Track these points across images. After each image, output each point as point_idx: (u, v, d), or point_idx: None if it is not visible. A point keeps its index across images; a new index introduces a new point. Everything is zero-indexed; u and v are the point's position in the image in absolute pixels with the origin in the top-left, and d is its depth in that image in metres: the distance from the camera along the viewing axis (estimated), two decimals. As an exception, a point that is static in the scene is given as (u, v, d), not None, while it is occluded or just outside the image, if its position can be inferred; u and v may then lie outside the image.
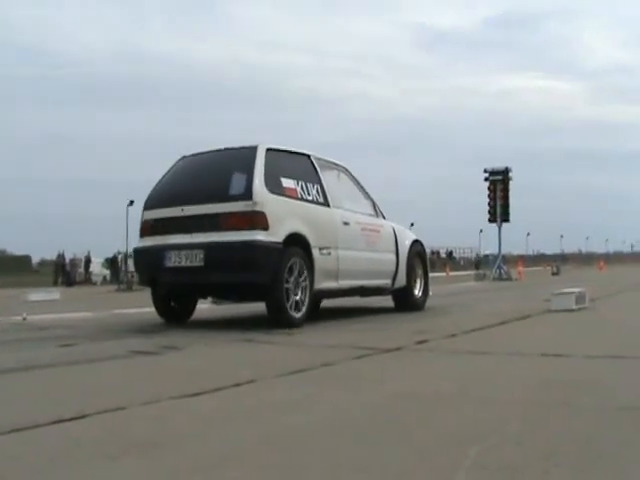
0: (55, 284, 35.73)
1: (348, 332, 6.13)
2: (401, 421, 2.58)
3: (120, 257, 39.01)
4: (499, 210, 26.01)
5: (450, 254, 69.10)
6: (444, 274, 36.15)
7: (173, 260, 6.68)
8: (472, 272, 33.94)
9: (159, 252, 6.79)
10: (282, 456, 2.15)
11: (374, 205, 8.73)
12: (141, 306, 10.58)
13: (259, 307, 9.67)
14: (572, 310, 7.78)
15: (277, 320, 6.57)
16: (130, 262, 31.76)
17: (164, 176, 7.36)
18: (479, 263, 56.08)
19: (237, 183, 6.60)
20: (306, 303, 6.86)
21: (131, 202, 35.58)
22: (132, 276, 30.54)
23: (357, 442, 2.29)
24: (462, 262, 68.67)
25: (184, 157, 7.49)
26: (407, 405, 2.86)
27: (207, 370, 4.03)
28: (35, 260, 69.71)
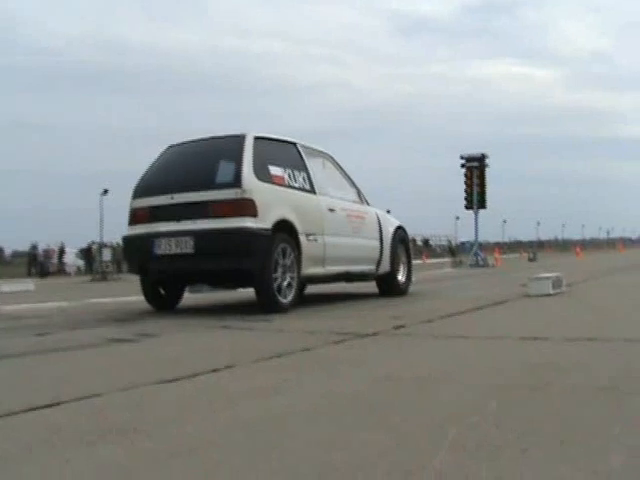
0: (29, 275, 35.41)
1: (328, 318, 6.18)
2: (381, 404, 2.59)
3: (94, 247, 38.73)
4: (475, 197, 26.04)
5: (426, 242, 69.47)
6: (421, 261, 36.31)
7: (163, 247, 6.76)
8: (449, 259, 34.04)
9: (149, 240, 6.85)
10: (261, 440, 2.14)
11: (359, 192, 8.88)
12: (117, 295, 10.53)
13: (237, 295, 9.72)
14: (549, 295, 7.82)
15: (266, 305, 6.69)
16: (105, 252, 31.56)
17: (152, 165, 7.44)
18: (455, 250, 56.38)
19: (226, 171, 6.73)
20: (294, 288, 7.00)
21: (105, 191, 35.29)
22: (107, 266, 30.37)
23: (337, 425, 2.29)
24: (438, 250, 69.01)
25: (171, 146, 7.62)
26: (386, 389, 2.87)
27: (184, 356, 4.02)
28: (7, 252, 68.91)
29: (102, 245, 34.94)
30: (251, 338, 4.88)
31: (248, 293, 8.41)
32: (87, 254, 40.72)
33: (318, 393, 2.82)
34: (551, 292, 7.96)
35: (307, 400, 2.69)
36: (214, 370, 3.35)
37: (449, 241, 72.86)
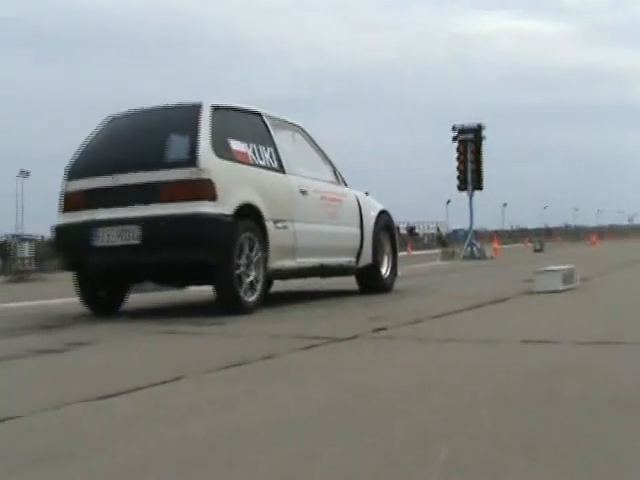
0: None
1: (297, 319, 6.26)
2: (357, 420, 2.60)
3: (13, 242, 38.29)
4: (470, 176, 26.05)
5: (412, 230, 69.10)
6: (405, 253, 36.39)
7: (103, 238, 6.74)
8: (439, 250, 34.12)
9: (86, 229, 6.80)
10: (212, 462, 2.14)
11: (335, 171, 8.94)
12: (44, 298, 10.44)
13: (191, 294, 9.68)
14: (559, 291, 7.87)
15: (227, 306, 6.70)
16: (25, 247, 31.25)
17: (90, 139, 7.38)
18: (446, 240, 56.58)
19: (179, 147, 6.82)
20: (260, 285, 7.00)
21: (23, 173, 34.95)
22: (28, 263, 30.08)
23: (303, 446, 2.29)
24: (426, 239, 69.19)
25: (113, 117, 7.58)
26: (362, 400, 2.90)
27: (123, 368, 4.03)
28: None
29: (19, 238, 34.53)
30: (204, 345, 4.91)
31: (204, 292, 8.40)
32: (2, 250, 40.27)
33: (281, 408, 2.83)
34: (561, 288, 7.99)
35: (267, 416, 2.69)
36: (158, 383, 3.36)
37: (438, 229, 73.19)
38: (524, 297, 7.66)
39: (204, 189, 6.51)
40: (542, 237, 59.49)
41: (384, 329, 5.15)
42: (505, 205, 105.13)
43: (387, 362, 3.89)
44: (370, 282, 9.15)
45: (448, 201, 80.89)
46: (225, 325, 5.91)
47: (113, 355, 4.64)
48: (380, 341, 4.70)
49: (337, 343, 4.58)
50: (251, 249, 6.88)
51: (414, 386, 3.16)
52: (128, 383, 3.36)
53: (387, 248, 9.47)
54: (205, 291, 7.69)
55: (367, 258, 9.00)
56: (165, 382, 3.39)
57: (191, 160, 6.56)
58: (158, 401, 3.05)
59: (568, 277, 8.37)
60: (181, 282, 8.08)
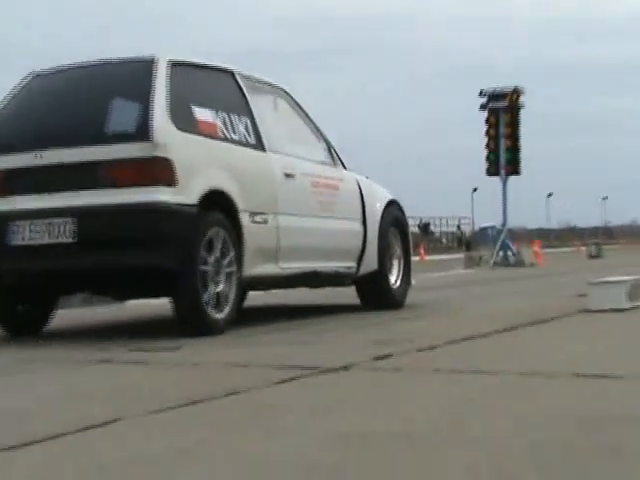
0: None
1: (277, 343, 6.27)
2: (345, 476, 2.56)
3: None
4: (503, 157, 25.62)
5: (425, 227, 67.49)
6: (417, 258, 36.32)
7: (24, 235, 6.62)
8: (461, 255, 34.00)
9: (1, 222, 6.69)
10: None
11: (330, 148, 8.86)
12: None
13: (129, 311, 9.59)
14: (622, 310, 7.73)
15: (190, 324, 6.66)
16: None
17: (5, 104, 7.28)
18: (471, 242, 56.51)
19: (126, 115, 6.76)
20: (232, 297, 6.92)
21: None
22: None
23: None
24: (444, 240, 68.70)
25: (37, 74, 7.45)
26: (354, 452, 2.86)
27: (42, 408, 3.98)
28: None
29: None
30: (151, 377, 4.88)
31: (157, 307, 8.40)
32: None
33: (244, 466, 2.76)
34: (625, 306, 7.87)
35: (230, 472, 2.66)
36: (85, 428, 3.31)
37: (459, 227, 72.45)
38: (575, 317, 7.59)
39: (159, 171, 6.45)
40: (600, 239, 59.67)
41: (389, 356, 5.13)
42: (550, 196, 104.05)
43: (391, 401, 3.85)
44: (375, 294, 9.03)
45: (474, 189, 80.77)
46: (181, 351, 5.86)
47: (30, 391, 4.57)
48: (383, 373, 4.69)
49: (326, 375, 4.55)
50: (221, 251, 6.79)
51: (426, 435, 3.11)
52: (46, 428, 3.32)
53: (397, 250, 9.36)
54: (159, 305, 7.68)
55: (371, 263, 8.85)
56: (93, 427, 3.34)
57: (141, 132, 6.46)
58: (82, 453, 3.00)
59: (634, 291, 8.26)
60: (128, 293, 7.93)
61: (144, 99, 6.60)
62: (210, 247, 6.69)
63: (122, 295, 8.22)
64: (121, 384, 4.68)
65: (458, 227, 72.58)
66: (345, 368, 4.73)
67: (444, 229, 73.09)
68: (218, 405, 3.78)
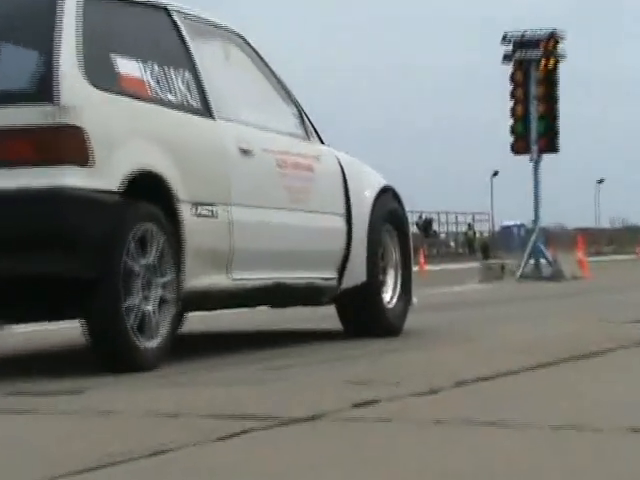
0: None
1: (223, 382, 5.59)
2: None
3: None
4: (535, 127, 22.18)
5: (427, 226, 61.91)
6: (415, 268, 35.08)
7: None
8: (476, 264, 32.56)
9: None
10: None
11: (301, 114, 7.86)
12: None
13: (24, 336, 8.62)
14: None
15: (109, 354, 5.92)
16: None
17: None
18: (489, 245, 54.58)
19: (20, 66, 5.87)
20: (167, 319, 6.13)
21: None
22: None
23: None
24: (452, 243, 64.79)
25: None
26: None
27: None
28: None
29: None
30: (34, 432, 4.16)
31: (65, 329, 7.70)
32: None
33: None
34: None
35: None
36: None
37: (470, 227, 66.18)
38: (630, 350, 6.92)
39: (67, 144, 5.62)
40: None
41: (374, 403, 4.47)
42: (601, 182, 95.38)
43: (373, 467, 3.17)
44: (363, 317, 7.94)
45: (494, 173, 73.57)
46: (86, 394, 5.09)
47: None
48: (363, 425, 4.07)
49: (287, 428, 3.93)
50: (153, 256, 5.99)
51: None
52: None
53: (394, 255, 8.29)
54: (68, 328, 7.13)
55: (358, 273, 7.83)
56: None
57: (42, 91, 5.63)
58: None
59: None
60: (19, 315, 6.69)
61: (46, 45, 5.73)
62: (137, 250, 5.87)
63: (14, 315, 6.96)
64: (5, 438, 3.96)
65: (469, 226, 65.45)
66: (313, 418, 4.12)
67: (451, 229, 66.51)
68: (133, 469, 3.14)
